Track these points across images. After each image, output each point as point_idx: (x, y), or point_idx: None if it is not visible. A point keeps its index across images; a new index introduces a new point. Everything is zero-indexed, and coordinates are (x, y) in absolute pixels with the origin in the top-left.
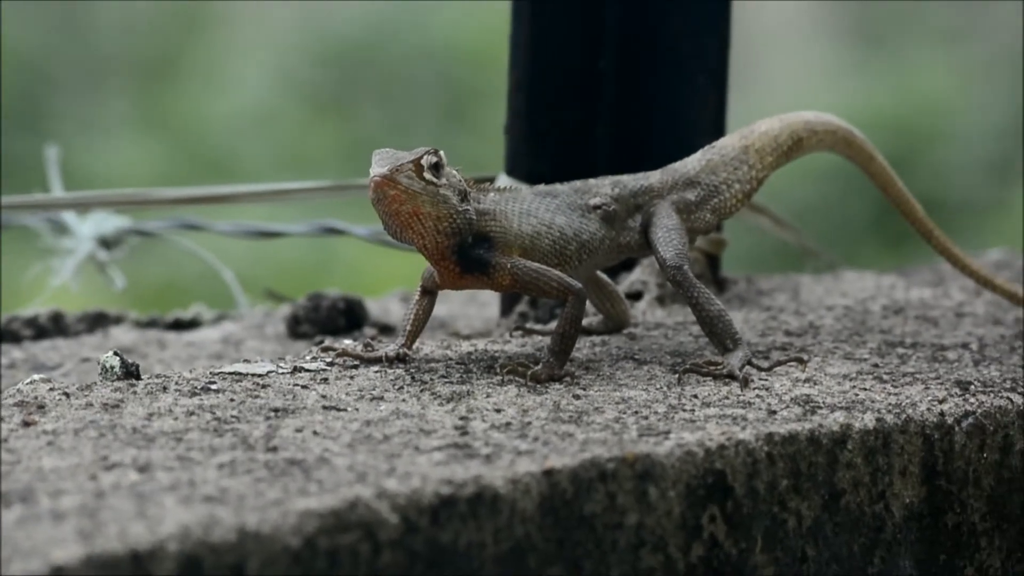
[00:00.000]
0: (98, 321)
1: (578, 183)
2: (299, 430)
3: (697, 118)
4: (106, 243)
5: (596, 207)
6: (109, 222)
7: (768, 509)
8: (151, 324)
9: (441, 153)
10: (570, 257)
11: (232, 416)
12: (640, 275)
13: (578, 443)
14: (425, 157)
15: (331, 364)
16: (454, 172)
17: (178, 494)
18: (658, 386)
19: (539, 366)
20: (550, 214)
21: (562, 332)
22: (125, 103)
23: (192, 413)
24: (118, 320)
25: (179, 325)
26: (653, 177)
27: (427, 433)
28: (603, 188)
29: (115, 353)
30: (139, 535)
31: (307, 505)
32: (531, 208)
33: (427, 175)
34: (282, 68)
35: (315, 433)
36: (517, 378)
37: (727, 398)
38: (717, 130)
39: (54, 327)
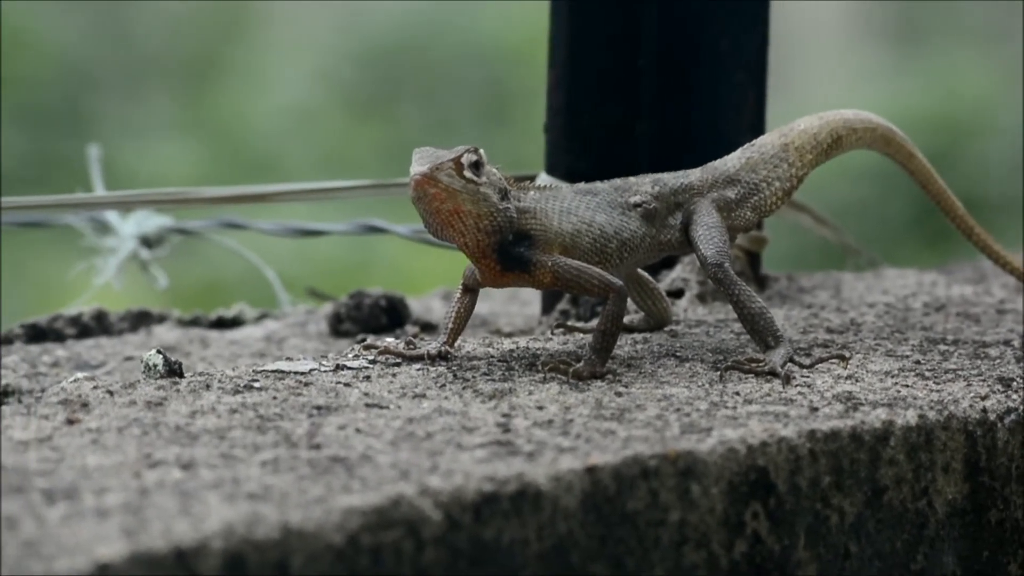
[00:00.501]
0: (141, 320)
1: (618, 181)
2: (342, 428)
3: (736, 115)
4: (148, 242)
5: (636, 205)
6: (151, 221)
7: (811, 506)
8: (194, 322)
9: (481, 151)
10: (611, 255)
11: (275, 414)
12: (681, 272)
13: (620, 440)
14: (465, 155)
15: (373, 362)
16: (494, 170)
17: (222, 491)
18: (700, 383)
19: (581, 363)
20: (590, 212)
21: (603, 329)
22: (167, 104)
23: (235, 411)
24: (161, 319)
25: (222, 323)
26: (693, 175)
27: (469, 430)
28: (643, 186)
29: (158, 351)
30: (183, 532)
31: (350, 502)
32: (571, 206)
33: (467, 173)
34: (323, 68)
35: (358, 431)
36: (559, 375)
37: (769, 395)
38: (756, 127)
39: (98, 326)
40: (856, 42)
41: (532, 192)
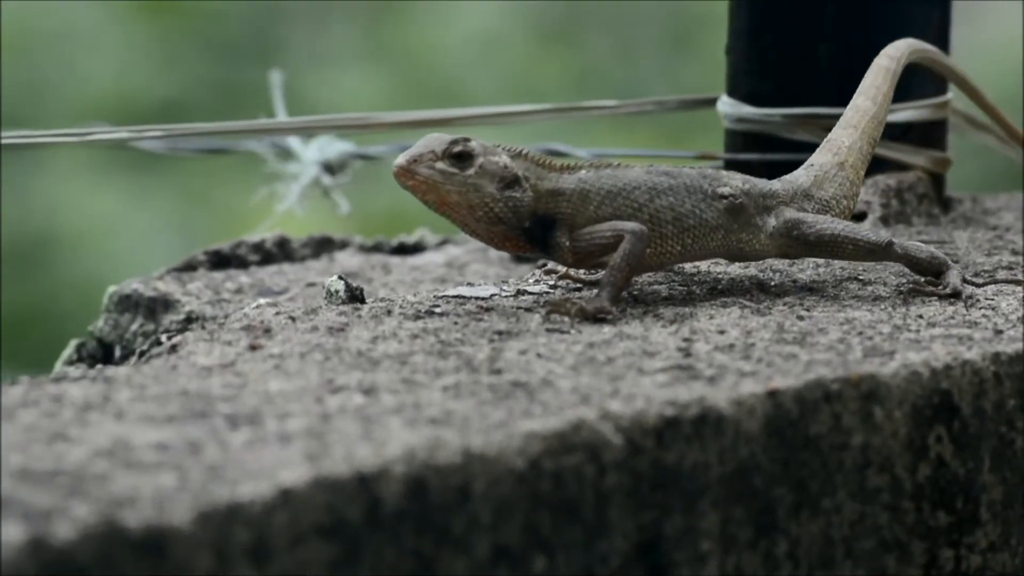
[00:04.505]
0: (323, 246)
1: (709, 170)
2: (523, 353)
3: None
4: (331, 168)
5: (723, 196)
6: (334, 147)
7: (995, 429)
8: (376, 248)
9: (473, 143)
10: (666, 238)
11: (456, 339)
12: (863, 195)
13: (802, 364)
14: (448, 146)
15: (554, 287)
16: (503, 158)
17: (403, 416)
18: (882, 306)
19: (584, 301)
20: (647, 196)
21: (613, 264)
22: (352, 33)
23: (416, 336)
24: (343, 245)
25: (403, 249)
26: (776, 184)
27: (650, 355)
28: (735, 180)
29: (340, 277)
30: (365, 457)
31: (531, 427)
32: (623, 187)
33: (442, 164)
34: None
35: (538, 355)
36: (561, 316)
37: (952, 318)
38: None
39: (280, 252)
40: None
41: (582, 172)
